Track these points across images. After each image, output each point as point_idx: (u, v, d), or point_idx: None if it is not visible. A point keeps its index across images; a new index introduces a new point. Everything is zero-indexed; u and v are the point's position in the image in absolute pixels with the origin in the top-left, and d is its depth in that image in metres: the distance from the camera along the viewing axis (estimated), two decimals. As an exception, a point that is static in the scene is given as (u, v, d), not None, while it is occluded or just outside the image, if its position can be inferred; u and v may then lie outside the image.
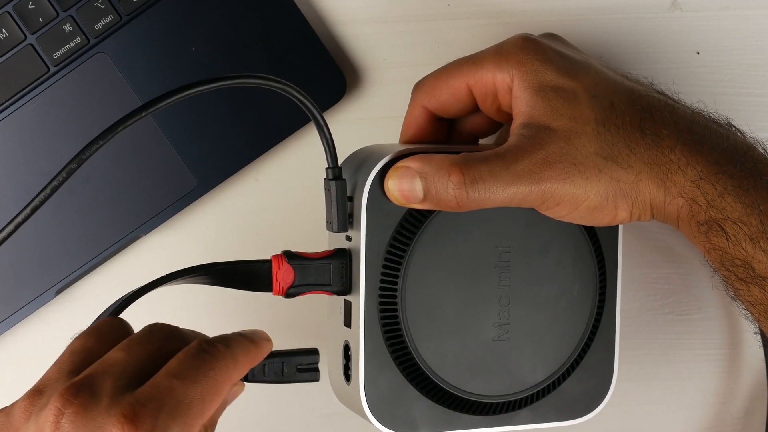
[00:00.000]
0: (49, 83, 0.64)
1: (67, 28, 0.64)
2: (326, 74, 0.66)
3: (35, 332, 0.66)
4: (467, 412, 0.57)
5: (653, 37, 0.68)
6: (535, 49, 0.54)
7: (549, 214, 0.53)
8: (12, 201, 0.64)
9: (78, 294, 0.66)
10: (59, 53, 0.65)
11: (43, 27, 0.64)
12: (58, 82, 0.65)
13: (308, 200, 0.65)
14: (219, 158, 0.65)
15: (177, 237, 0.66)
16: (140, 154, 0.65)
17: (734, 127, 0.56)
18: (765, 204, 0.52)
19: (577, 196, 0.52)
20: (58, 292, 0.65)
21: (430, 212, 0.55)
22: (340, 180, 0.54)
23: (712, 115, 0.56)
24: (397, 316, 0.55)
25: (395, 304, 0.55)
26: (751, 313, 0.56)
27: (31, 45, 0.64)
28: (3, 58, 0.64)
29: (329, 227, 0.55)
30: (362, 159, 0.56)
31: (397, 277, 0.54)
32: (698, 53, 0.69)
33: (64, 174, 0.49)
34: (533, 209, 0.53)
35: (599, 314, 0.59)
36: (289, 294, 0.55)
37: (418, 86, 0.58)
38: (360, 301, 0.54)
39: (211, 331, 0.52)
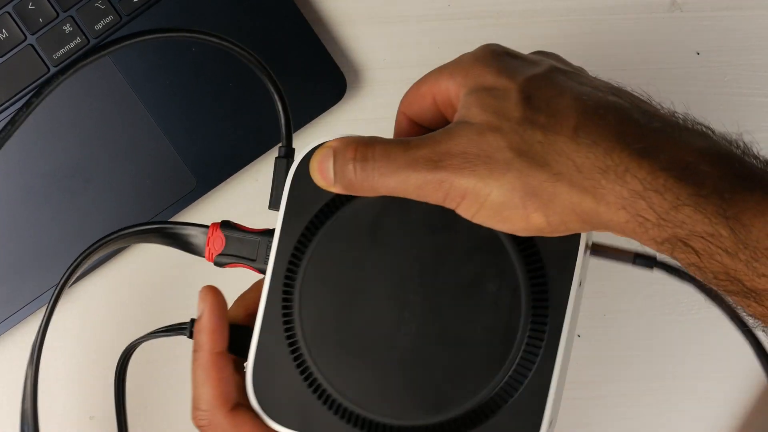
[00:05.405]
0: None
1: (67, 28, 0.65)
2: (326, 74, 0.66)
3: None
4: (361, 428, 0.49)
5: (653, 37, 0.68)
6: (485, 57, 0.51)
7: (459, 212, 0.49)
8: (12, 200, 0.64)
9: (78, 294, 0.66)
10: (59, 53, 0.65)
11: (43, 27, 0.64)
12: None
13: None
14: (219, 158, 0.65)
15: (177, 237, 0.66)
16: (140, 155, 0.65)
17: (704, 125, 0.49)
18: (732, 209, 0.45)
19: (478, 189, 0.48)
20: (58, 292, 0.65)
21: (347, 201, 0.50)
22: (284, 159, 0.53)
23: (678, 114, 0.49)
24: (292, 312, 0.50)
25: (292, 295, 0.50)
26: (760, 323, 0.51)
27: (31, 45, 0.64)
28: (3, 59, 0.64)
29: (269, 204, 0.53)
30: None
31: (298, 266, 0.50)
32: (698, 53, 0.69)
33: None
34: (457, 215, 0.49)
35: (530, 353, 0.48)
36: (217, 262, 0.54)
37: (404, 94, 0.57)
38: (265, 287, 0.51)
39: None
